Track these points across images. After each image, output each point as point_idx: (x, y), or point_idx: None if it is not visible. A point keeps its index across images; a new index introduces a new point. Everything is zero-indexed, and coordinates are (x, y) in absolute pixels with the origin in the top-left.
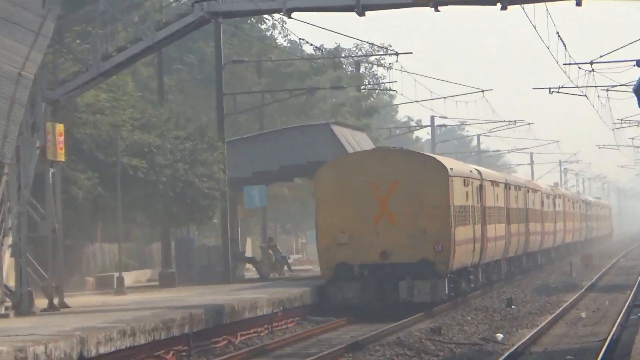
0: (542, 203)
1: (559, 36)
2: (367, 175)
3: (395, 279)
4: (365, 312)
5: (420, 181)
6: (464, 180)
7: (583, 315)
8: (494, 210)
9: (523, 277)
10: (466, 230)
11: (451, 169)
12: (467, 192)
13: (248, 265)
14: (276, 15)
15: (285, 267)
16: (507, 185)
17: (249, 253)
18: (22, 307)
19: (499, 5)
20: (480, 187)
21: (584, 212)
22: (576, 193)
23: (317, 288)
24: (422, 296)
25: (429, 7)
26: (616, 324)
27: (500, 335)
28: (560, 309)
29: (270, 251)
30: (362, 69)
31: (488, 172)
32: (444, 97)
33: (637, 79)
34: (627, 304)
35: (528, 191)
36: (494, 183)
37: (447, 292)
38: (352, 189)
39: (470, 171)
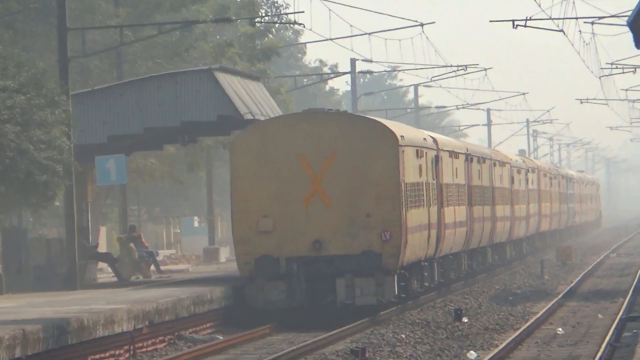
0: (512, 179)
1: None
2: (296, 145)
3: (332, 276)
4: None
5: (364, 152)
6: (417, 151)
7: (559, 331)
8: (453, 189)
9: (487, 275)
10: (420, 213)
11: (402, 136)
12: (420, 166)
13: (102, 265)
14: None
15: (152, 267)
16: (468, 157)
17: (103, 248)
18: None
19: None
20: (436, 159)
21: (564, 190)
22: (553, 165)
23: (234, 288)
24: (366, 298)
25: None
26: (604, 344)
27: (473, 353)
28: (528, 323)
29: (131, 245)
30: None
31: (445, 140)
32: (369, 34)
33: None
34: (618, 317)
35: (494, 164)
36: (453, 154)
37: (396, 292)
38: (277, 162)
39: (424, 139)
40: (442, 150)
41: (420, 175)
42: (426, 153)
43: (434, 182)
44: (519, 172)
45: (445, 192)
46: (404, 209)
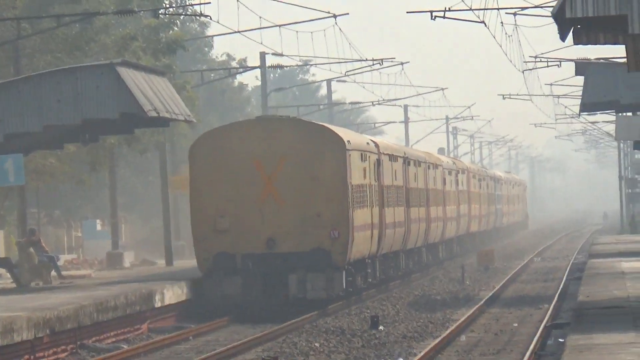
0: (444, 181)
1: None
2: (250, 149)
3: (285, 272)
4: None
5: (313, 156)
6: (362, 155)
7: (480, 340)
8: (393, 191)
9: (421, 275)
10: (365, 213)
11: (348, 141)
12: (364, 169)
13: (0, 270)
14: None
15: (53, 272)
16: (406, 160)
17: (1, 253)
18: None
19: None
20: (378, 162)
21: (492, 191)
22: (482, 167)
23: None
24: (316, 292)
25: None
26: (528, 353)
27: None
28: (448, 330)
29: (31, 249)
30: None
31: (386, 144)
32: (279, 26)
33: None
34: (543, 324)
35: (429, 167)
36: (392, 157)
37: (344, 286)
38: (232, 165)
39: (367, 143)
40: (383, 154)
41: (365, 177)
42: (369, 157)
43: (376, 184)
44: (449, 173)
45: (386, 194)
46: (350, 209)
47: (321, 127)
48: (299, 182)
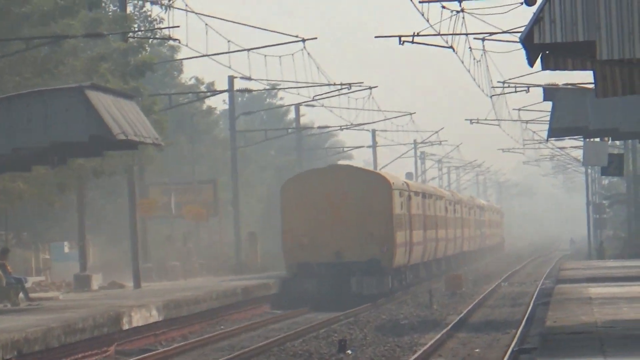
0: (447, 210)
1: None
2: (323, 187)
3: (348, 275)
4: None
5: (368, 193)
6: (400, 192)
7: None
8: (416, 218)
9: (372, 305)
10: (402, 235)
11: (393, 183)
12: (401, 202)
13: None
14: None
15: (21, 294)
16: (423, 195)
17: None
18: None
19: None
20: (408, 197)
21: (478, 218)
22: (470, 197)
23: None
24: (370, 290)
25: None
26: None
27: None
28: (415, 355)
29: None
30: (129, 9)
31: (411, 184)
32: (248, 50)
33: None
34: (511, 348)
35: (436, 199)
36: (416, 193)
37: (390, 286)
38: (311, 198)
39: (402, 183)
40: (411, 191)
41: (402, 208)
42: (403, 193)
43: (407, 213)
44: (450, 203)
45: (413, 221)
46: (394, 231)
47: (374, 172)
48: (357, 211)
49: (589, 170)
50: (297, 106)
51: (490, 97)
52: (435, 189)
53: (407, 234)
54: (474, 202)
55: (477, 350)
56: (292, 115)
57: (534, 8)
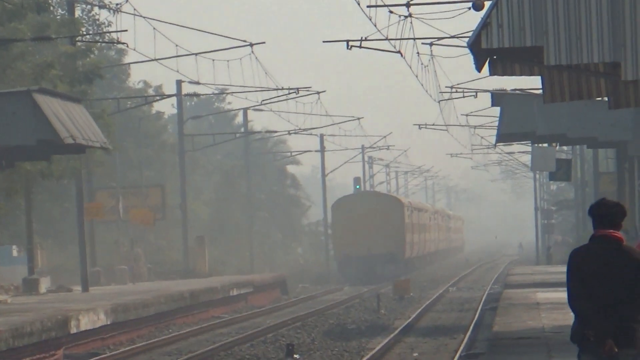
0: (429, 218)
1: None
2: (359, 206)
3: (374, 263)
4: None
5: (388, 210)
6: (407, 208)
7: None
8: (416, 226)
9: (321, 309)
10: (409, 236)
11: (403, 203)
12: (408, 215)
13: None
14: None
15: None
16: (418, 209)
17: None
18: None
19: None
20: (410, 211)
21: (447, 224)
22: (442, 209)
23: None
24: (390, 273)
25: None
26: None
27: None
28: (364, 359)
29: None
30: (78, 12)
31: (412, 202)
32: (196, 54)
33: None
34: (458, 353)
35: (423, 211)
36: (415, 208)
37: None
38: (351, 214)
39: (408, 202)
40: (412, 207)
41: (408, 219)
42: (409, 209)
43: (411, 222)
44: (432, 214)
45: (414, 227)
46: (404, 234)
47: (391, 195)
48: (381, 221)
49: (537, 176)
50: (245, 111)
51: (438, 102)
52: (422, 204)
53: (412, 236)
54: (445, 212)
55: (415, 354)
56: (240, 119)
57: (482, 13)
